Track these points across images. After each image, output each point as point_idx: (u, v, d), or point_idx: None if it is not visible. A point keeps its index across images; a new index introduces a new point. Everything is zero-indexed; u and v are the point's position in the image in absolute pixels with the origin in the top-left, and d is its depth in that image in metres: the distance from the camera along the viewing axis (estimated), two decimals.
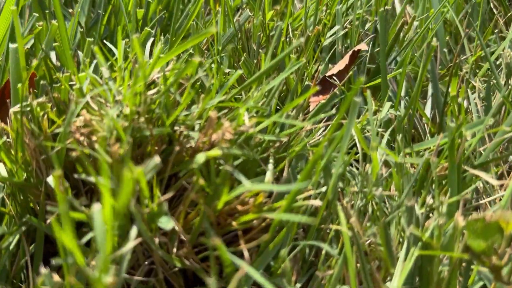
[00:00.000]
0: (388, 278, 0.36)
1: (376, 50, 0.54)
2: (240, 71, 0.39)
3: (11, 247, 0.37)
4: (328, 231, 0.38)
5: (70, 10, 0.49)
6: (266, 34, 0.52)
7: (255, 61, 0.50)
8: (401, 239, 0.38)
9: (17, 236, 0.38)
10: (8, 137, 0.37)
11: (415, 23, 0.57)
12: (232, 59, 0.51)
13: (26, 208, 0.38)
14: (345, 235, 0.34)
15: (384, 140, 0.40)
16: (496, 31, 0.61)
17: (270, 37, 0.53)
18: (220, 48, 0.45)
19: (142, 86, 0.35)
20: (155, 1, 0.52)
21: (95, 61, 0.41)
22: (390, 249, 0.35)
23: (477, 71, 0.52)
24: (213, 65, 0.49)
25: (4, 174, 0.36)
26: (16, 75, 0.36)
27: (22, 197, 0.37)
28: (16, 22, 0.36)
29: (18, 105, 0.35)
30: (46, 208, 0.37)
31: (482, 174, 0.38)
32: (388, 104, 0.42)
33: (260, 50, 0.52)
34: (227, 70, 0.49)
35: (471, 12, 0.61)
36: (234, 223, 0.36)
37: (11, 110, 0.35)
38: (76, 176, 0.35)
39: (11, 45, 0.36)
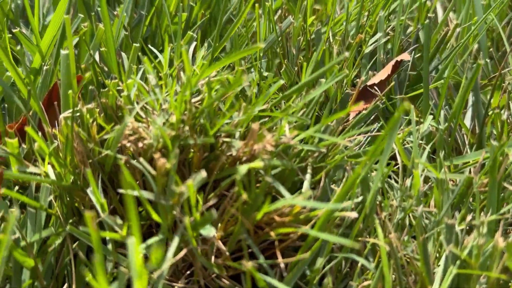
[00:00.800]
0: None
1: (417, 55, 0.54)
2: (281, 81, 0.39)
3: (56, 245, 0.39)
4: (365, 243, 0.38)
5: (115, 12, 0.50)
6: (306, 39, 0.52)
7: (295, 68, 0.51)
8: (437, 255, 0.38)
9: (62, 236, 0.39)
10: (56, 139, 0.38)
11: (457, 29, 0.56)
12: (272, 63, 0.51)
13: (71, 209, 0.39)
14: (383, 250, 0.34)
15: (425, 155, 0.40)
16: None
17: (310, 40, 0.53)
18: (261, 55, 0.45)
19: (188, 96, 0.36)
20: (197, 5, 0.53)
21: (141, 67, 0.42)
22: (428, 265, 0.35)
23: None
24: (253, 70, 0.49)
25: (53, 176, 0.37)
26: (66, 81, 0.38)
27: (68, 199, 0.38)
28: (69, 29, 0.37)
29: (69, 111, 0.36)
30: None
31: None
32: (429, 118, 0.42)
33: (300, 56, 0.52)
34: (265, 74, 0.50)
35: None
36: (272, 233, 0.37)
37: (61, 116, 0.37)
38: (119, 190, 0.36)
39: (62, 52, 0.37)
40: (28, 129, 0.34)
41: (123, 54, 0.48)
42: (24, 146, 0.41)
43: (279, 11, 0.60)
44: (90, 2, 0.52)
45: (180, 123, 0.36)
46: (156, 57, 0.51)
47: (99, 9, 0.56)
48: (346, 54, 0.33)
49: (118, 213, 0.39)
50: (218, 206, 0.39)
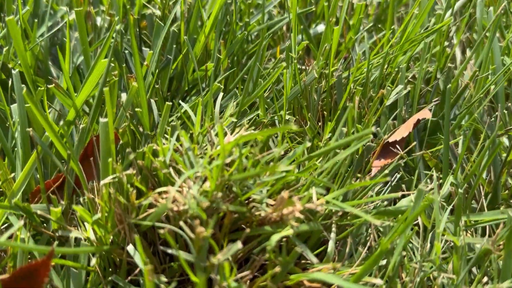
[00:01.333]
0: None
1: (436, 100, 0.56)
2: (308, 143, 0.41)
3: None
4: None
5: (145, 63, 0.52)
6: (328, 86, 0.54)
7: (316, 114, 0.52)
8: None
9: None
10: (96, 204, 0.40)
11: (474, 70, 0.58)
12: (295, 111, 0.53)
13: (109, 264, 0.42)
14: None
15: (445, 217, 0.42)
16: None
17: (332, 87, 0.54)
18: (285, 110, 0.47)
19: (221, 165, 0.38)
20: (223, 55, 0.54)
21: (172, 122, 0.43)
22: None
23: None
24: (276, 117, 0.51)
25: (93, 237, 0.39)
26: (105, 148, 0.40)
27: (106, 256, 0.41)
28: (108, 101, 0.39)
29: (109, 178, 0.38)
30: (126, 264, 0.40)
31: None
32: (449, 179, 0.44)
33: (320, 103, 0.54)
34: (287, 117, 0.51)
35: None
36: None
37: (102, 183, 0.39)
38: (161, 248, 0.38)
39: (102, 120, 0.39)
40: (78, 208, 0.36)
41: (153, 105, 0.50)
42: (62, 202, 0.43)
43: (299, 52, 0.62)
44: (119, 48, 0.54)
45: (214, 192, 0.38)
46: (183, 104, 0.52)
47: (125, 51, 0.58)
48: (373, 129, 0.35)
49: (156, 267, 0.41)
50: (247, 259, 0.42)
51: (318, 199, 0.40)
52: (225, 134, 0.44)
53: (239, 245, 0.35)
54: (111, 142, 0.40)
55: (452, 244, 0.43)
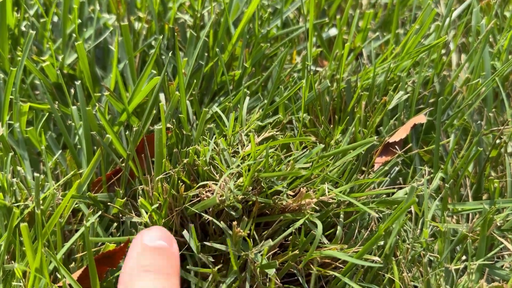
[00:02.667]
0: None
1: (432, 100, 0.64)
2: (321, 146, 0.51)
3: None
4: (383, 276, 0.50)
5: (183, 71, 0.60)
6: (339, 90, 0.62)
7: (328, 115, 0.61)
8: (438, 287, 0.50)
9: None
10: (152, 196, 0.50)
11: (467, 74, 0.66)
12: (310, 113, 0.62)
13: None
14: (398, 285, 0.46)
15: (433, 207, 0.51)
16: None
17: (342, 91, 0.63)
18: (303, 113, 0.56)
19: (254, 166, 0.47)
20: (248, 63, 0.63)
21: (213, 133, 0.53)
22: None
23: None
24: (293, 118, 0.60)
25: (149, 222, 0.49)
26: (159, 150, 0.49)
27: None
28: (162, 113, 0.48)
29: (162, 175, 0.48)
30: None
31: (504, 241, 0.49)
32: (438, 175, 0.53)
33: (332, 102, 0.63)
34: (304, 115, 0.60)
35: None
36: (314, 269, 0.49)
37: (157, 178, 0.48)
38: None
39: (157, 127, 0.49)
40: (141, 200, 0.46)
41: (189, 107, 0.59)
42: (120, 190, 0.53)
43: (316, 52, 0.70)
44: (159, 60, 0.63)
45: (247, 186, 0.48)
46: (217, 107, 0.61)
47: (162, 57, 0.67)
48: (375, 138, 0.44)
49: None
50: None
51: (329, 192, 0.49)
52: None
53: (271, 242, 0.45)
54: (163, 145, 0.49)
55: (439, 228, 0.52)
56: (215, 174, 0.50)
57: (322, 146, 0.51)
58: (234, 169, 0.48)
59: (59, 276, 0.44)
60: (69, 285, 0.43)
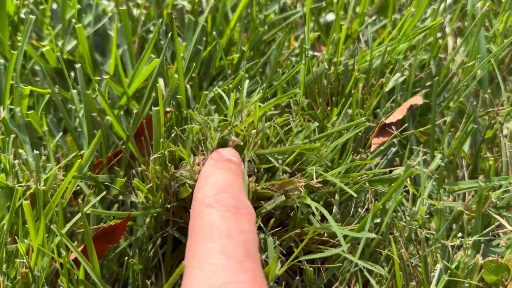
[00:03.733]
0: None
1: (428, 83, 0.65)
2: (315, 124, 0.52)
3: (148, 250, 0.52)
4: (380, 254, 0.51)
5: (182, 55, 0.61)
6: (336, 73, 0.63)
7: (326, 98, 0.62)
8: (434, 265, 0.50)
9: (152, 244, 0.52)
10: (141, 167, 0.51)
11: (464, 58, 0.67)
12: (308, 96, 0.62)
13: (158, 221, 0.52)
14: (396, 261, 0.47)
15: (429, 186, 0.52)
16: None
17: (340, 74, 0.64)
18: (301, 95, 0.56)
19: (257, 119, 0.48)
20: (246, 47, 0.63)
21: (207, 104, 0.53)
22: (427, 273, 0.48)
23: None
24: (292, 102, 0.61)
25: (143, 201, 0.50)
26: (157, 130, 0.50)
27: (156, 215, 0.51)
28: (160, 94, 0.48)
29: (158, 153, 0.49)
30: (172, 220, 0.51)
31: (499, 218, 0.50)
32: (438, 157, 0.53)
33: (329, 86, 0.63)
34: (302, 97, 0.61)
35: None
36: (312, 246, 0.50)
37: (152, 157, 0.49)
38: None
39: (154, 108, 0.49)
40: (135, 181, 0.47)
41: (189, 90, 0.59)
42: (120, 171, 0.54)
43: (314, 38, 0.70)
44: (158, 45, 0.63)
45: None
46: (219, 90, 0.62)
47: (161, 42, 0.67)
48: (367, 123, 0.45)
49: None
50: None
51: (320, 174, 0.50)
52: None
53: (273, 240, 0.46)
54: (161, 125, 0.50)
55: (435, 207, 0.53)
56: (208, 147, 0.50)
57: (317, 124, 0.52)
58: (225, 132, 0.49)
59: (63, 252, 0.45)
60: (73, 260, 0.44)
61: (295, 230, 0.48)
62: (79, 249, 0.46)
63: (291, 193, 0.49)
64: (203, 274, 0.33)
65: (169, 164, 0.49)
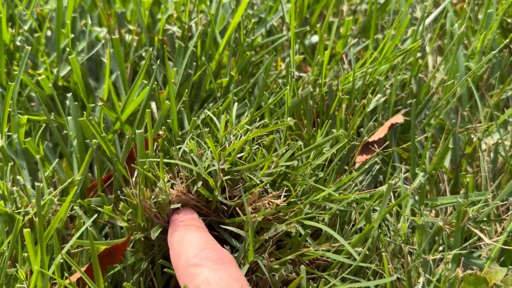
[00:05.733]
0: None
1: (410, 101, 0.68)
2: (299, 143, 0.54)
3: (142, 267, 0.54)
4: (368, 269, 0.53)
5: (173, 80, 0.63)
6: (321, 94, 0.66)
7: (311, 117, 0.65)
8: (418, 278, 0.53)
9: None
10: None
11: (444, 76, 0.69)
12: (295, 117, 0.65)
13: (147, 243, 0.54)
14: (387, 274, 0.50)
15: (409, 203, 0.54)
16: None
17: (324, 95, 0.66)
18: (286, 117, 0.59)
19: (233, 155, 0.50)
20: (234, 71, 0.66)
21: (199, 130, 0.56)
22: (411, 286, 0.51)
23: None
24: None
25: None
26: (141, 152, 0.52)
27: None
28: (149, 120, 0.51)
29: (140, 169, 0.51)
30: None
31: (478, 232, 0.52)
32: (420, 175, 0.56)
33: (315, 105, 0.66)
34: (288, 119, 0.64)
35: (493, 65, 0.73)
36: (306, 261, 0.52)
37: (133, 179, 0.51)
38: None
39: (138, 131, 0.51)
40: (122, 205, 0.49)
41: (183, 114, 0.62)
42: (110, 197, 0.56)
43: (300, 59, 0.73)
44: (150, 71, 0.66)
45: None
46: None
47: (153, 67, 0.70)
48: (345, 142, 0.47)
49: None
50: None
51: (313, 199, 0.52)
52: (241, 136, 0.57)
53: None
54: (146, 156, 0.52)
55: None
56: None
57: (301, 143, 0.54)
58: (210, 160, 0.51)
59: (65, 274, 0.46)
60: (73, 283, 0.46)
61: (296, 252, 0.50)
62: (82, 269, 0.48)
63: (286, 217, 0.51)
64: None
65: (144, 188, 0.51)
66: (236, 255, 0.49)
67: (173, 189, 0.51)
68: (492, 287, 0.48)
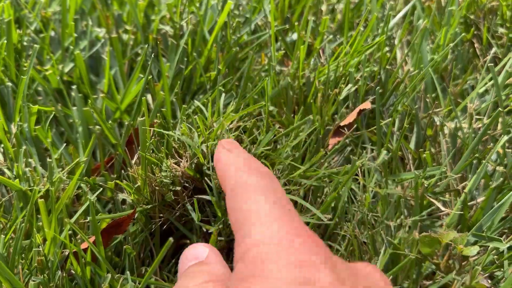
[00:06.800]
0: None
1: (381, 90, 0.75)
2: (277, 127, 0.61)
3: (140, 241, 0.62)
4: (337, 235, 0.61)
5: (166, 74, 0.71)
6: (299, 85, 0.73)
7: (291, 106, 0.72)
8: (381, 241, 0.60)
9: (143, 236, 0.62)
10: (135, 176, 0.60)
11: (411, 68, 0.77)
12: (277, 106, 0.72)
13: (148, 216, 0.62)
14: (354, 239, 0.57)
15: (374, 177, 0.62)
16: (480, 64, 0.81)
17: (302, 86, 0.74)
18: (269, 105, 0.66)
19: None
20: (222, 65, 0.74)
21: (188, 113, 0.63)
22: (375, 248, 0.58)
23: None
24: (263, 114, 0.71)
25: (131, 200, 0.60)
26: (143, 140, 0.59)
27: (146, 212, 0.61)
28: (145, 108, 0.58)
29: (143, 154, 0.58)
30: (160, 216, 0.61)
31: (436, 202, 0.60)
32: (383, 152, 0.64)
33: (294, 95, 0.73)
34: (271, 108, 0.71)
35: (456, 57, 0.81)
36: None
37: (136, 156, 0.58)
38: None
39: (139, 119, 0.59)
40: (123, 184, 0.56)
41: (176, 105, 0.69)
42: (113, 175, 0.63)
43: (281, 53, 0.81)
44: (146, 65, 0.73)
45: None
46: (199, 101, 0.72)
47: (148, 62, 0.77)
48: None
49: None
50: None
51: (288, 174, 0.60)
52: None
53: None
54: (148, 137, 0.59)
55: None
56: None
57: (278, 127, 0.62)
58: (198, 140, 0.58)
59: (73, 241, 0.54)
60: (83, 250, 0.53)
61: None
62: (90, 240, 0.55)
63: None
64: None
65: (154, 167, 0.58)
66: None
67: (179, 166, 0.58)
68: (446, 247, 0.56)
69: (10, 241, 0.58)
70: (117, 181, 0.58)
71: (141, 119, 0.59)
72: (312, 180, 0.60)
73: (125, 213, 0.57)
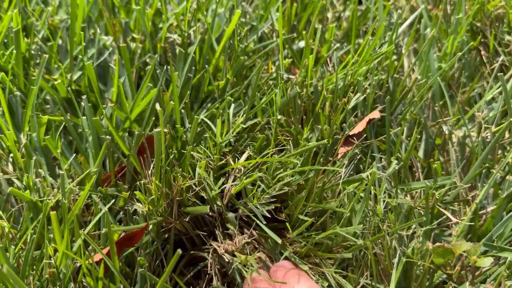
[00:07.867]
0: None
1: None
2: (289, 146, 0.61)
3: (151, 252, 0.62)
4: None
5: (176, 83, 0.71)
6: (307, 94, 0.73)
7: (298, 116, 0.72)
8: (395, 251, 0.60)
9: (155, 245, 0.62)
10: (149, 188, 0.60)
11: (418, 76, 0.77)
12: (285, 114, 0.72)
13: (160, 227, 0.62)
14: (370, 249, 0.57)
15: (383, 187, 0.62)
16: (487, 72, 0.81)
17: (310, 95, 0.74)
18: (276, 115, 0.66)
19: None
20: (230, 74, 0.74)
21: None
22: (390, 258, 0.58)
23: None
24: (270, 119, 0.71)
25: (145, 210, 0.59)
26: (158, 151, 0.59)
27: (159, 223, 0.61)
28: (161, 118, 0.58)
29: (163, 165, 0.58)
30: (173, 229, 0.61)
31: (446, 212, 0.60)
32: (394, 163, 0.64)
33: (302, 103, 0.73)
34: (279, 117, 0.71)
35: (463, 65, 0.81)
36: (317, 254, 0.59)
37: (149, 172, 0.58)
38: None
39: (156, 130, 0.59)
40: (138, 193, 0.56)
41: (184, 114, 0.69)
42: (125, 186, 0.63)
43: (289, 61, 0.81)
44: (155, 76, 0.73)
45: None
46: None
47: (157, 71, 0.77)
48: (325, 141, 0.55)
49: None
50: None
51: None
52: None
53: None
54: (162, 151, 0.59)
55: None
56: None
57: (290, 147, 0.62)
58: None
59: (86, 254, 0.54)
60: (96, 262, 0.53)
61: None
62: (104, 251, 0.55)
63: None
64: None
65: (179, 177, 0.58)
66: None
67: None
68: (458, 258, 0.56)
69: (20, 252, 0.57)
70: (135, 192, 0.57)
71: (157, 130, 0.59)
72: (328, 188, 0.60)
73: (139, 226, 0.57)
